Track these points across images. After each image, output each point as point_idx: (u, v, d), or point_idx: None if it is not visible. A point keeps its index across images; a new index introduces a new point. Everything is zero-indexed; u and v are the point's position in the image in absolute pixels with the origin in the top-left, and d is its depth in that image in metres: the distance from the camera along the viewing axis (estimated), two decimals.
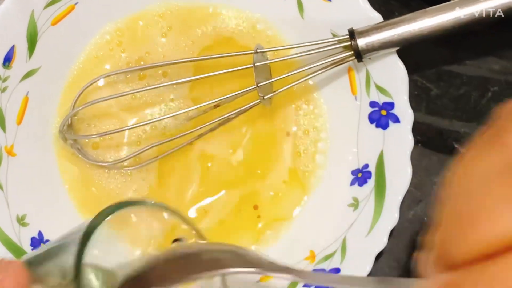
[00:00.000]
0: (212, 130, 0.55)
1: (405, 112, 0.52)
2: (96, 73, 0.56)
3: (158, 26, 0.57)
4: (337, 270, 0.52)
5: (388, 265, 0.57)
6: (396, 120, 0.52)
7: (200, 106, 0.53)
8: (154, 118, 0.54)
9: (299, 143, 0.57)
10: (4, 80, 0.52)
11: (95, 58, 0.56)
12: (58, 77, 0.56)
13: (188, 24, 0.57)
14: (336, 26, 0.54)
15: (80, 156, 0.55)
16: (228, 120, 0.54)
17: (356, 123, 0.55)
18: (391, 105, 0.52)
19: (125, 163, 0.56)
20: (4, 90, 0.52)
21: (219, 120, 0.53)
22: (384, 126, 0.53)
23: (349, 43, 0.51)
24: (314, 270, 0.53)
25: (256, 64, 0.51)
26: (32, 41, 0.53)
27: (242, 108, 0.53)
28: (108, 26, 0.57)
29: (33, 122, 0.54)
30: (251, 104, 0.52)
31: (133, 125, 0.55)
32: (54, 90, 0.56)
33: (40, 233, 0.53)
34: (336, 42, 0.52)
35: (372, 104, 0.54)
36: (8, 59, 0.52)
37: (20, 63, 0.52)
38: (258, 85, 0.51)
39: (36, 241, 0.52)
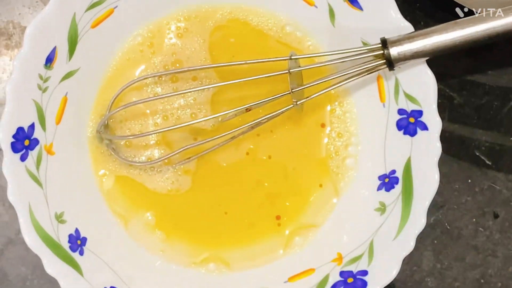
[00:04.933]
0: (243, 133, 0.56)
1: (433, 120, 0.53)
2: (130, 74, 0.57)
3: (176, 27, 0.58)
4: (364, 273, 0.53)
5: (409, 269, 0.58)
6: (425, 127, 0.53)
7: (235, 111, 0.54)
8: (186, 123, 0.54)
9: (331, 145, 0.58)
10: (45, 80, 0.52)
11: (127, 60, 0.57)
12: (95, 79, 0.57)
13: (206, 23, 0.58)
14: (366, 34, 0.54)
15: (115, 156, 0.56)
16: (259, 123, 0.55)
17: (384, 129, 0.55)
18: (419, 112, 0.53)
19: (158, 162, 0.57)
20: (45, 90, 0.52)
21: (252, 124, 0.54)
22: (412, 133, 0.54)
23: (381, 51, 0.52)
24: (341, 272, 0.54)
25: (291, 71, 0.52)
26: (72, 43, 0.53)
27: (275, 113, 0.53)
28: (141, 29, 0.58)
29: (70, 122, 0.55)
30: (284, 109, 0.53)
31: (167, 127, 0.55)
32: (90, 91, 0.57)
33: (77, 230, 0.53)
34: (368, 50, 0.52)
35: (401, 111, 0.54)
36: (50, 60, 0.52)
37: (61, 64, 0.53)
38: (293, 90, 0.52)
39: (74, 238, 0.52)
